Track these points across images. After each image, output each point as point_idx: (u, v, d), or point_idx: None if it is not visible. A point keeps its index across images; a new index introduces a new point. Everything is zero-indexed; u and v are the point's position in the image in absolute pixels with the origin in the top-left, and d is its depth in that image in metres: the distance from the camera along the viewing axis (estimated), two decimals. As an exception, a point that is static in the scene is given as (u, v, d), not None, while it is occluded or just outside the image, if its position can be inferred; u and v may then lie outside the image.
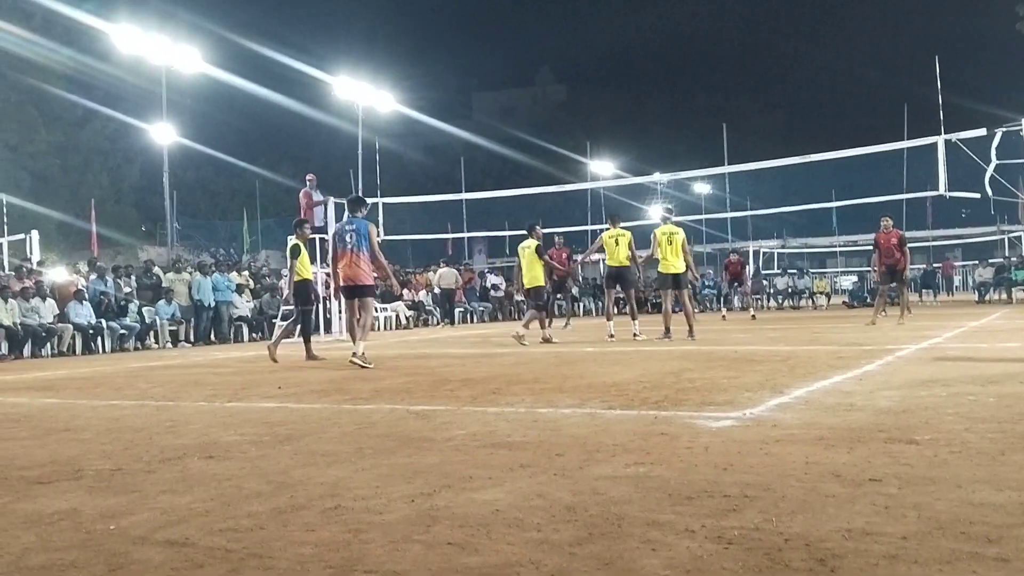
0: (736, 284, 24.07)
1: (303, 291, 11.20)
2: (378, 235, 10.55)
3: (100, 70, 32.14)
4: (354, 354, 9.07)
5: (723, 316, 21.43)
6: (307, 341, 11.22)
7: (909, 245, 14.56)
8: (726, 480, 3.28)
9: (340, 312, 16.98)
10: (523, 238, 13.31)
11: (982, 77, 48.98)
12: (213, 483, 3.58)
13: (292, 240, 11.26)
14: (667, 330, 12.29)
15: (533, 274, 12.82)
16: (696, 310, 20.05)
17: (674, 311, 13.15)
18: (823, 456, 3.65)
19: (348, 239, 9.43)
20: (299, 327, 11.44)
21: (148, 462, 4.11)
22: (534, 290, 12.88)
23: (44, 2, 28.74)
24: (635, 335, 12.44)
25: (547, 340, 12.36)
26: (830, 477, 3.27)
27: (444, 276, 24.07)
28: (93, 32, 26.95)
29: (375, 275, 9.74)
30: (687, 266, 12.74)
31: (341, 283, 9.55)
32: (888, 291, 14.59)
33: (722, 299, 25.82)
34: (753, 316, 20.68)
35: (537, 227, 13.15)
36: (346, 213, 10.28)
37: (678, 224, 13.22)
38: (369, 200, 18.47)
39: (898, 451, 3.70)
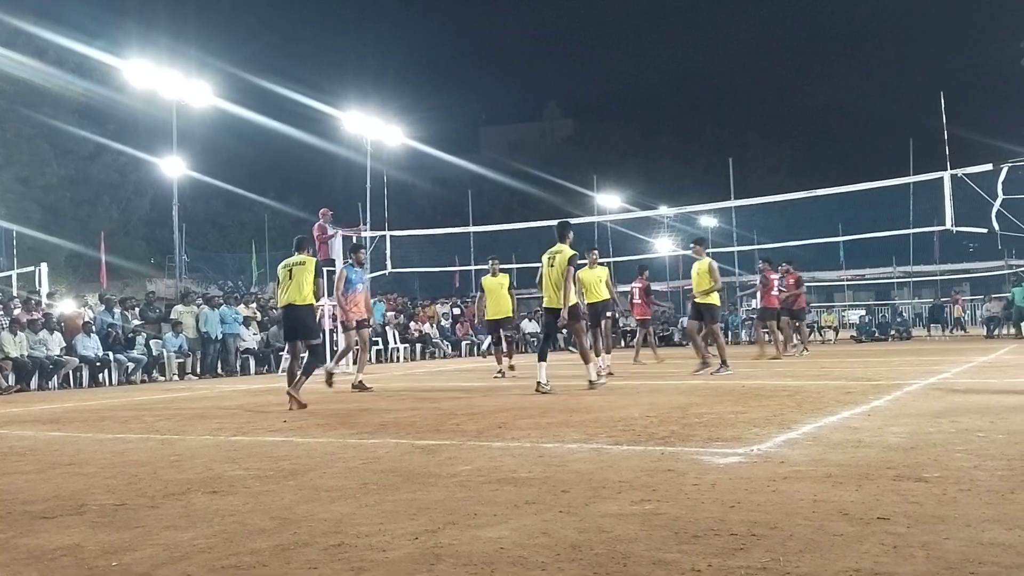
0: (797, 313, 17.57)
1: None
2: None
3: (111, 104, 32.49)
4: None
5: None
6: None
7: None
8: (733, 518, 3.25)
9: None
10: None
11: (987, 112, 49.03)
12: (217, 519, 3.57)
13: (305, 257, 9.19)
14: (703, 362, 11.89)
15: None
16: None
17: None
18: (831, 494, 3.62)
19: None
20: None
21: (152, 497, 4.10)
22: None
23: (57, 38, 29.15)
24: (606, 371, 11.83)
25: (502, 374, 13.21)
26: (838, 515, 3.25)
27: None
28: (105, 67, 27.30)
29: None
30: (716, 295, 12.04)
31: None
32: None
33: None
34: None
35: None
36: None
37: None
38: (377, 233, 18.71)
39: (907, 489, 3.67)
